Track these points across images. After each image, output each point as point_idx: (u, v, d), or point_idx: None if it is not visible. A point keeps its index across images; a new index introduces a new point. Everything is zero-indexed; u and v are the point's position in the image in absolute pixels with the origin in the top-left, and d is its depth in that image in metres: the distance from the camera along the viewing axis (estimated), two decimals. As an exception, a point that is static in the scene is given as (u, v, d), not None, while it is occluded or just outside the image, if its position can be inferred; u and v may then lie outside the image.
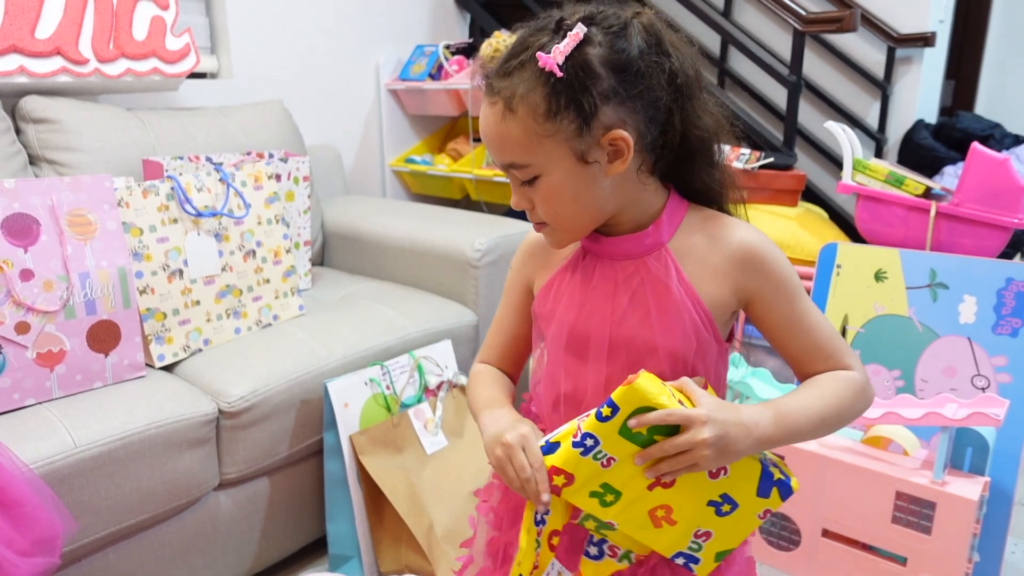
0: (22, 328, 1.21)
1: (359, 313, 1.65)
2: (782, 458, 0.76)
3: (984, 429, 1.29)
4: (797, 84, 2.23)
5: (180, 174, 1.47)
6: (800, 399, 0.74)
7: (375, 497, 1.45)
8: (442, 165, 2.49)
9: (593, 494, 0.72)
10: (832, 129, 1.75)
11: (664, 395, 0.66)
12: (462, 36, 2.79)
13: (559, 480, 0.71)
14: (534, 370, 0.87)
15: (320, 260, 2.11)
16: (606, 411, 0.67)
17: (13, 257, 1.21)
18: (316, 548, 1.58)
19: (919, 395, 1.47)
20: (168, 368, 1.43)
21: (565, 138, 0.70)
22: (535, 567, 0.76)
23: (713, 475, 0.70)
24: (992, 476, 1.34)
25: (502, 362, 0.92)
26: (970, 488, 1.24)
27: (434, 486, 1.49)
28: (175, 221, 1.43)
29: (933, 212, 1.54)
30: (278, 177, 1.71)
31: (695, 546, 0.74)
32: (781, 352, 0.79)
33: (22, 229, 1.23)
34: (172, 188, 1.43)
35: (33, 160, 1.64)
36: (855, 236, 1.89)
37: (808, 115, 2.91)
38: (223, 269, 1.50)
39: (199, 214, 1.46)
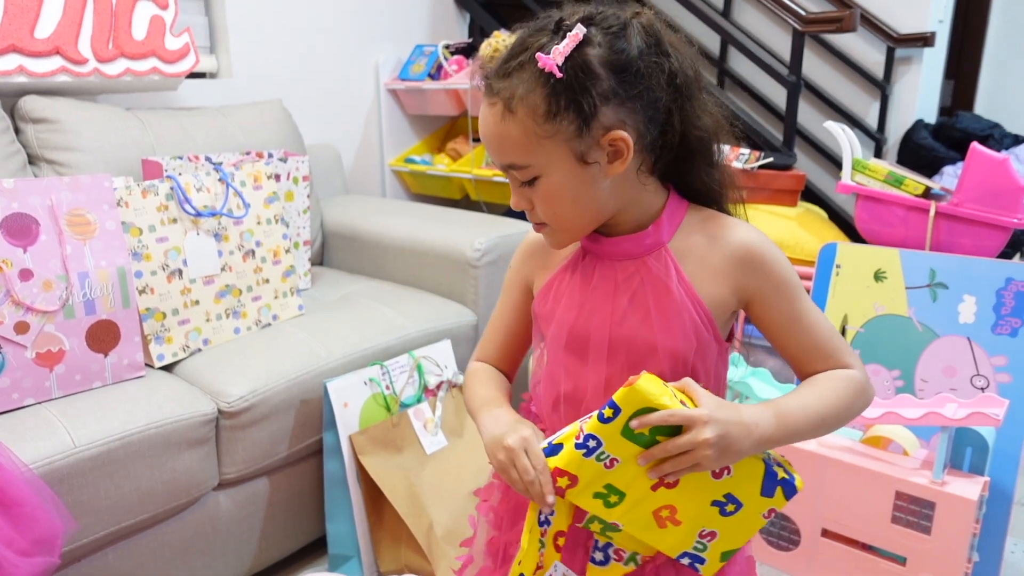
0: (21, 328, 1.21)
1: (359, 313, 1.65)
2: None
3: (984, 429, 1.29)
4: (797, 84, 2.23)
5: (179, 174, 1.47)
6: (800, 398, 0.74)
7: (375, 497, 1.45)
8: (441, 165, 2.49)
9: (597, 495, 0.72)
10: (832, 129, 1.75)
11: (666, 396, 0.66)
12: (461, 36, 2.79)
13: (563, 482, 0.71)
14: (534, 370, 0.88)
15: (320, 260, 2.11)
16: (608, 412, 0.67)
17: (12, 257, 1.21)
18: (316, 548, 1.58)
19: (919, 395, 1.47)
20: (167, 368, 1.43)
21: (565, 139, 0.70)
22: (539, 567, 0.76)
23: (716, 475, 0.70)
24: (992, 476, 1.34)
25: (499, 360, 0.92)
26: (970, 488, 1.24)
27: (434, 486, 1.49)
28: (174, 221, 1.43)
29: (932, 212, 1.54)
30: (277, 177, 1.71)
31: (700, 546, 0.74)
32: (781, 351, 0.79)
33: (21, 229, 1.23)
34: (171, 188, 1.43)
35: (32, 160, 1.64)
36: (855, 236, 1.89)
37: (808, 115, 2.91)
38: (222, 269, 1.50)
39: (198, 214, 1.46)
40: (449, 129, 2.70)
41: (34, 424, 1.17)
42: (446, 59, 2.41)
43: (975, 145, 1.54)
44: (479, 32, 2.71)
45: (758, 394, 1.45)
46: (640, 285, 0.76)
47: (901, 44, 2.82)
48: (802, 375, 0.78)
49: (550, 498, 0.70)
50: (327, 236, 2.10)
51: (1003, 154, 1.53)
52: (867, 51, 2.93)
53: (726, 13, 3.15)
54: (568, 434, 0.71)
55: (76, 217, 1.29)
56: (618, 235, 0.78)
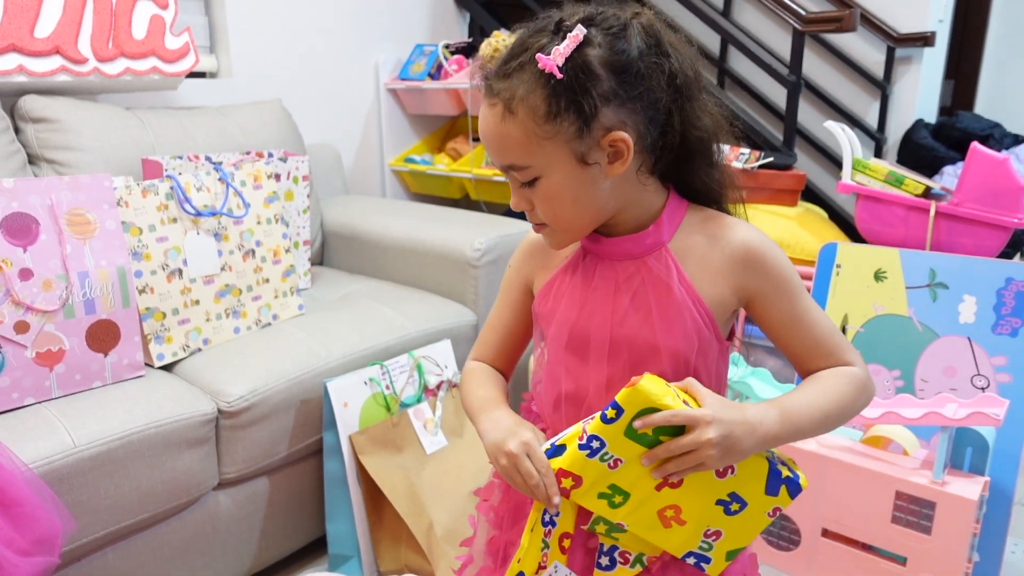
0: (21, 327, 1.21)
1: (358, 313, 1.65)
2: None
3: (984, 429, 1.29)
4: (797, 84, 2.23)
5: (179, 173, 1.47)
6: (803, 396, 0.74)
7: (375, 497, 1.45)
8: (441, 165, 2.49)
9: (601, 495, 0.72)
10: (832, 129, 1.75)
11: (668, 396, 0.66)
12: (461, 36, 2.79)
13: (567, 482, 0.71)
14: (535, 370, 0.87)
15: (319, 260, 2.11)
16: (611, 413, 0.67)
17: (12, 256, 1.21)
18: (316, 548, 1.58)
19: (919, 395, 1.47)
20: (167, 368, 1.43)
21: (565, 140, 0.69)
22: (541, 567, 0.76)
23: (720, 474, 0.70)
24: (992, 476, 1.34)
25: (496, 360, 0.92)
26: (970, 488, 1.24)
27: (434, 486, 1.49)
28: (174, 220, 1.43)
29: (933, 212, 1.54)
30: (277, 177, 1.71)
31: (705, 545, 0.74)
32: (782, 350, 0.79)
33: (21, 228, 1.23)
34: (171, 187, 1.43)
35: (32, 159, 1.64)
36: (855, 236, 1.89)
37: (808, 115, 2.91)
38: (222, 268, 1.50)
39: (198, 213, 1.45)
40: (449, 129, 2.70)
41: (34, 424, 1.17)
42: (446, 59, 2.41)
43: (975, 145, 1.54)
44: (479, 32, 2.71)
45: (758, 394, 1.45)
46: (641, 285, 0.76)
47: (901, 44, 2.82)
48: (804, 373, 0.79)
49: (556, 499, 0.70)
50: (327, 236, 2.10)
51: (1003, 154, 1.53)
52: (867, 51, 2.93)
53: (726, 13, 3.15)
54: (571, 435, 0.71)
55: (76, 217, 1.29)
56: (618, 235, 0.78)
